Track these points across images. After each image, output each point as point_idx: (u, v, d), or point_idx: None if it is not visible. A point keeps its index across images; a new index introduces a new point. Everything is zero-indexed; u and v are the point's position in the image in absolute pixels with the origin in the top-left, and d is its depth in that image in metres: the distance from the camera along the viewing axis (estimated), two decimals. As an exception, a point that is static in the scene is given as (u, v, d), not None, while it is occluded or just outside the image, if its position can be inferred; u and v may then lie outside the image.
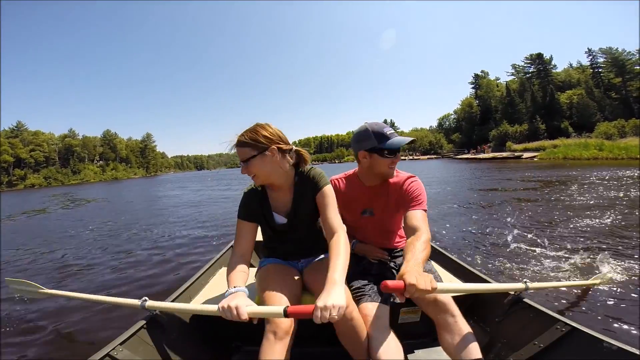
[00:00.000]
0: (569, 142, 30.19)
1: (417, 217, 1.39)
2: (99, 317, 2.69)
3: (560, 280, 2.71)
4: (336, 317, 1.01)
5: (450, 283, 1.38)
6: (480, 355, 1.13)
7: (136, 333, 1.32)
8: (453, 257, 2.16)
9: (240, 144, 1.33)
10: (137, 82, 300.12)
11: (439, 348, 1.33)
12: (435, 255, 2.28)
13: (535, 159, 25.68)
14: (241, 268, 1.33)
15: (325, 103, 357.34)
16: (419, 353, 1.65)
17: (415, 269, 1.08)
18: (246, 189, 1.51)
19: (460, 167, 22.50)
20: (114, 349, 1.20)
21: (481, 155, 37.07)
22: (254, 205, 1.46)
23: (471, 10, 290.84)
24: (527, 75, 58.38)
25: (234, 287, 1.21)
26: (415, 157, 60.51)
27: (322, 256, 1.54)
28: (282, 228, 1.47)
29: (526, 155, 28.53)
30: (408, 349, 1.63)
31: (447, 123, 77.99)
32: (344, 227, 1.37)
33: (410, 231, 1.35)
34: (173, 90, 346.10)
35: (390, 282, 1.04)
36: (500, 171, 17.49)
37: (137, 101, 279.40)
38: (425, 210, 1.45)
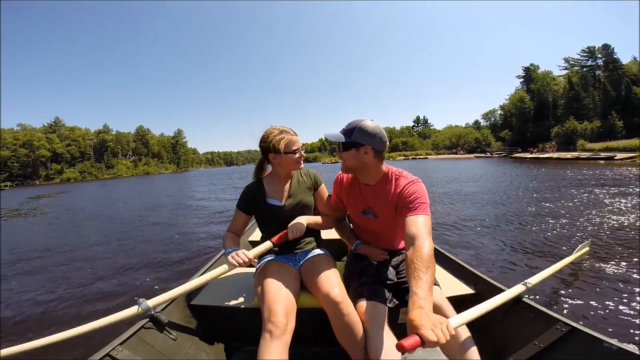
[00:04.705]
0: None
1: (418, 223, 1.28)
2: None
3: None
4: (302, 231, 1.55)
5: (463, 315, 1.17)
6: (478, 357, 1.11)
7: (136, 333, 1.33)
8: (452, 257, 2.11)
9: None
10: (171, 79, 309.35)
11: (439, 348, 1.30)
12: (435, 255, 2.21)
13: (639, 161, 20.51)
14: (233, 237, 1.66)
15: (349, 101, 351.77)
16: (419, 353, 1.63)
17: (426, 313, 0.95)
18: (248, 184, 1.74)
19: (553, 176, 13.42)
20: (114, 349, 1.21)
21: (554, 155, 31.40)
22: (251, 197, 1.67)
23: (510, 5, 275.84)
24: (585, 69, 52.22)
25: (231, 248, 1.50)
26: (451, 155, 54.79)
27: (317, 251, 1.67)
28: (276, 209, 1.63)
29: (620, 155, 23.17)
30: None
31: (493, 119, 71.44)
32: (332, 215, 1.75)
33: (409, 240, 1.24)
34: (207, 87, 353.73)
35: (406, 343, 0.90)
36: None
37: (171, 98, 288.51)
38: (426, 215, 1.34)
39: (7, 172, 66.30)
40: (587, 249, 2.66)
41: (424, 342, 0.92)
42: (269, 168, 1.75)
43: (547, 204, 6.91)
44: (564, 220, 5.30)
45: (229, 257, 1.44)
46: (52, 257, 5.21)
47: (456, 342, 1.14)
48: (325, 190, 1.79)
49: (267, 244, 1.53)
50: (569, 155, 28.87)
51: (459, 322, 1.09)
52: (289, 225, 1.55)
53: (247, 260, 1.42)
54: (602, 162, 22.45)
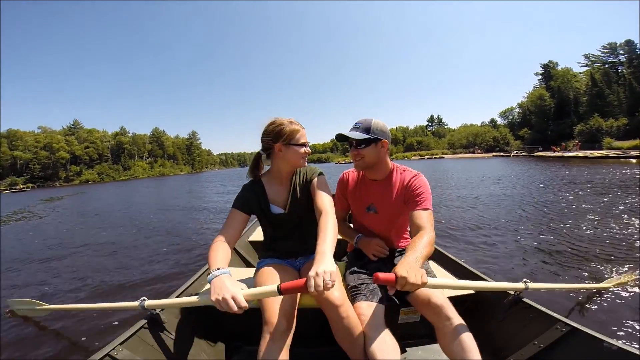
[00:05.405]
0: None
1: (422, 216, 1.41)
2: (98, 318, 2.56)
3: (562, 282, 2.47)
4: (330, 282, 1.00)
5: (444, 279, 1.29)
6: (479, 357, 1.12)
7: (136, 333, 1.33)
8: (452, 257, 2.12)
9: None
10: (187, 81, 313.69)
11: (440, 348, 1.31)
12: (434, 254, 2.20)
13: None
14: (224, 249, 1.32)
15: (359, 101, 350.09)
16: (419, 353, 1.62)
17: (411, 263, 1.11)
18: (246, 183, 1.60)
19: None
20: (114, 349, 1.21)
21: (579, 153, 30.19)
22: (251, 197, 1.53)
23: (521, 5, 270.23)
24: (607, 65, 50.66)
25: (217, 268, 1.18)
26: (468, 154, 53.36)
27: None
28: (280, 218, 1.55)
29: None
30: (408, 349, 1.63)
31: (511, 117, 69.71)
32: (333, 209, 1.41)
33: (415, 230, 1.39)
34: (222, 89, 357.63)
35: (381, 274, 1.07)
36: None
37: (186, 100, 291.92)
38: (429, 210, 1.46)
39: (29, 174, 68.11)
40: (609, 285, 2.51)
41: (397, 279, 1.05)
42: (265, 168, 1.65)
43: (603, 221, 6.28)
44: None
45: (213, 294, 1.06)
46: (55, 256, 5.23)
47: (456, 342, 1.15)
48: (320, 183, 1.53)
49: (272, 289, 1.09)
50: (596, 153, 27.69)
51: (436, 282, 1.19)
52: (313, 274, 1.03)
53: (235, 310, 1.03)
54: (633, 160, 21.42)
